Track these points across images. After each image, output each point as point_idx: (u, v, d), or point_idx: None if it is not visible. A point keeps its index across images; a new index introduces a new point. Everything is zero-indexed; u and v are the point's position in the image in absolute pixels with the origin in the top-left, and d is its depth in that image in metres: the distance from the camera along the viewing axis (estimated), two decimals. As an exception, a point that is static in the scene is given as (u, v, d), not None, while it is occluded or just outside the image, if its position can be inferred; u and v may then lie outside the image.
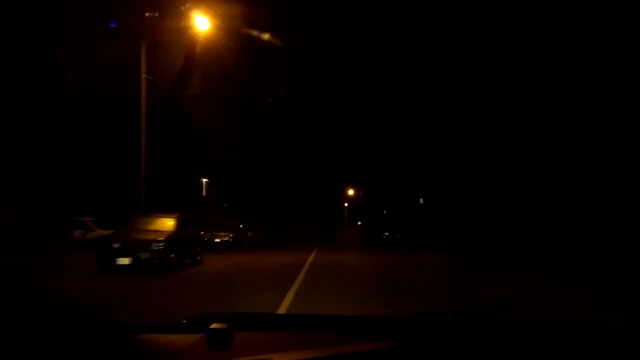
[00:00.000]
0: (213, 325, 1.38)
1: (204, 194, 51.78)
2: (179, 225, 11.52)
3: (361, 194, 56.72)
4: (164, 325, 1.59)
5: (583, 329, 1.66)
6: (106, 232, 13.84)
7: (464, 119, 28.51)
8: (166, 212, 12.29)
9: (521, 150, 25.04)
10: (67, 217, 18.39)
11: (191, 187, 40.71)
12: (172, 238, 10.80)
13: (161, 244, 10.27)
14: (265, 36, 19.74)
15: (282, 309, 6.29)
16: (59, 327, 1.25)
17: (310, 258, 15.81)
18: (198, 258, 12.80)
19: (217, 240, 20.80)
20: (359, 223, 65.40)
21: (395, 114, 41.76)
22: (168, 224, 11.37)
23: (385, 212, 46.43)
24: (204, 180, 52.08)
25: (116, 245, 9.98)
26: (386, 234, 32.46)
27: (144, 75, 14.85)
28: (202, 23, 14.70)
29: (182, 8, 14.94)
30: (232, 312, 1.89)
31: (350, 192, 58.48)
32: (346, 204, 75.15)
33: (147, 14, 14.85)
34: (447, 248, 22.16)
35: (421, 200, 31.28)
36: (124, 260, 9.75)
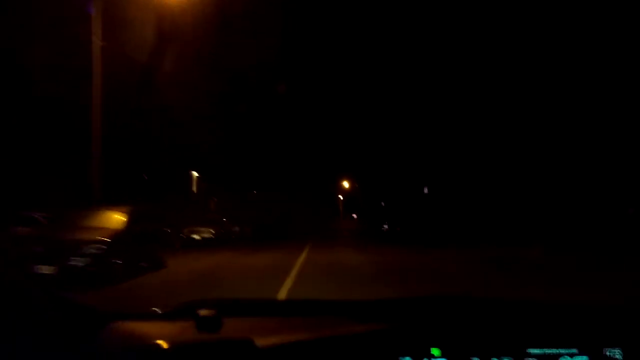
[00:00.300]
0: (201, 312, 1.38)
1: (194, 189, 49.55)
2: (131, 221, 8.96)
3: (357, 185, 54.37)
4: (151, 313, 1.57)
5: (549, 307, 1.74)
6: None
7: (470, 99, 26.11)
8: (117, 204, 9.74)
9: (536, 134, 22.69)
10: (11, 212, 15.76)
11: (179, 181, 39.25)
12: (118, 238, 8.26)
13: (101, 246, 7.73)
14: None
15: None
16: (40, 316, 1.21)
17: (302, 257, 13.37)
18: (161, 261, 10.29)
19: (197, 237, 18.30)
20: (355, 216, 63.09)
21: (393, 96, 39.23)
22: (114, 220, 8.79)
23: (383, 204, 44.05)
24: (195, 173, 49.66)
25: (37, 249, 7.44)
26: (385, 227, 30.08)
27: (95, 41, 12.24)
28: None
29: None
30: (221, 298, 1.81)
31: (345, 184, 56.07)
32: (341, 197, 72.85)
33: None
34: (456, 242, 19.87)
35: (425, 190, 28.91)
36: (47, 269, 7.20)
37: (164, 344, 1.23)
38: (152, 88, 22.70)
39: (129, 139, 22.59)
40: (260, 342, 1.23)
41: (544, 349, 1.30)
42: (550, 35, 23.18)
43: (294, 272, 9.61)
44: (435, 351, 1.28)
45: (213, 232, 18.54)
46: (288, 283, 8.08)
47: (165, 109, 26.65)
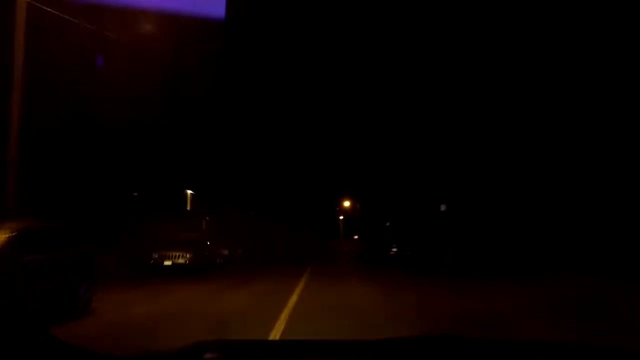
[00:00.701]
0: (206, 355, 1.43)
1: (187, 207, 47.18)
2: (14, 248, 5.58)
3: (358, 206, 50.96)
4: (156, 354, 1.56)
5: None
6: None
7: (485, 105, 23.00)
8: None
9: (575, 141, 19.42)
10: None
11: (173, 199, 37.00)
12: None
13: None
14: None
15: None
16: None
17: (295, 295, 9.90)
18: (83, 303, 6.89)
19: (167, 263, 14.82)
20: (356, 237, 59.45)
21: (397, 110, 36.11)
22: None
23: (388, 224, 40.54)
24: (189, 192, 47.35)
25: None
26: (394, 249, 26.51)
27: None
28: None
29: None
30: (226, 340, 1.87)
31: (346, 203, 52.62)
32: (341, 217, 69.30)
33: None
34: (488, 271, 16.40)
35: (443, 207, 25.44)
36: None
37: None
38: (146, 102, 21.79)
39: (122, 154, 21.78)
40: None
41: None
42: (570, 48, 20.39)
43: (280, 326, 6.21)
44: None
45: (189, 256, 15.05)
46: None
47: (162, 125, 26.23)
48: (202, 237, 18.39)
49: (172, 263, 14.86)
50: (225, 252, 23.36)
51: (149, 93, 21.29)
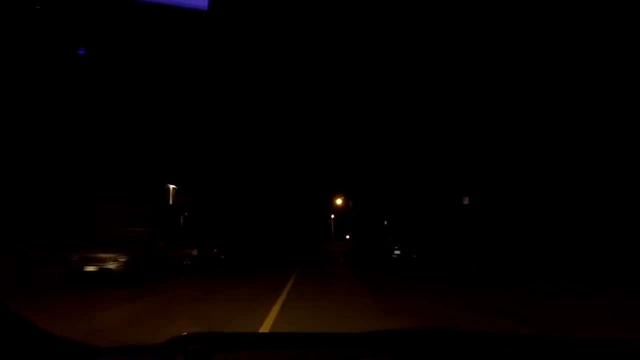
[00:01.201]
0: (191, 346, 1.41)
1: (170, 202, 43.66)
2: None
3: (350, 203, 46.75)
4: (141, 347, 1.55)
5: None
6: None
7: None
8: None
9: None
10: None
11: (156, 194, 34.19)
12: None
13: None
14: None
15: None
16: (36, 354, 1.21)
17: (273, 313, 5.68)
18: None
19: (90, 268, 10.39)
20: (348, 237, 55.27)
21: (392, 97, 31.95)
22: None
23: (386, 222, 36.32)
24: (172, 186, 43.71)
25: None
26: (397, 252, 22.27)
27: None
28: None
29: None
30: (212, 332, 1.73)
31: (338, 201, 48.38)
32: (332, 216, 65.05)
33: None
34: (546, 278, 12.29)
35: (466, 201, 20.70)
36: None
37: None
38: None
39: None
40: None
41: None
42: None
43: None
44: None
45: (124, 260, 10.65)
46: None
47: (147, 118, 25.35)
48: (150, 233, 13.93)
49: (98, 269, 10.43)
50: (194, 252, 18.98)
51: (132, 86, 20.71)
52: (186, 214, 45.91)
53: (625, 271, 12.26)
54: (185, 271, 15.46)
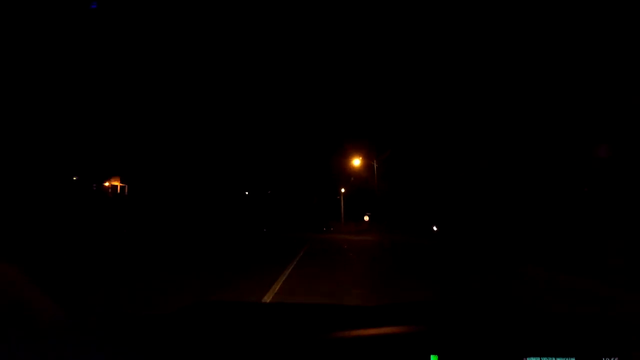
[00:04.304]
0: (204, 315, 1.60)
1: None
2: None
3: (374, 164, 29.99)
4: (151, 316, 1.54)
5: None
6: None
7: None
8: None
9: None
10: None
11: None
12: None
13: None
14: None
15: None
16: (61, 324, 1.21)
17: None
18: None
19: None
20: (366, 218, 38.55)
21: None
22: None
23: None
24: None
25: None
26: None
27: None
28: None
29: None
30: (223, 301, 2.16)
31: (356, 162, 31.59)
32: (342, 190, 48.13)
33: None
34: None
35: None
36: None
37: None
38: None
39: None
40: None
41: (542, 357, 1.31)
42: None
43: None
44: (434, 358, 1.29)
45: None
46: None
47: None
48: None
49: None
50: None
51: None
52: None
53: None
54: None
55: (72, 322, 1.23)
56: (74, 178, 29.70)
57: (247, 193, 54.21)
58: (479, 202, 23.75)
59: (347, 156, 35.33)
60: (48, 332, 1.13)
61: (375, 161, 29.20)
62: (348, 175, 40.52)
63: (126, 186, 37.18)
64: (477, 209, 22.86)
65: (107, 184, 35.20)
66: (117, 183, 36.67)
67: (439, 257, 14.31)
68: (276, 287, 7.34)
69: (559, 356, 1.30)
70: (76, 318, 1.26)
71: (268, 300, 6.24)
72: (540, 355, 1.30)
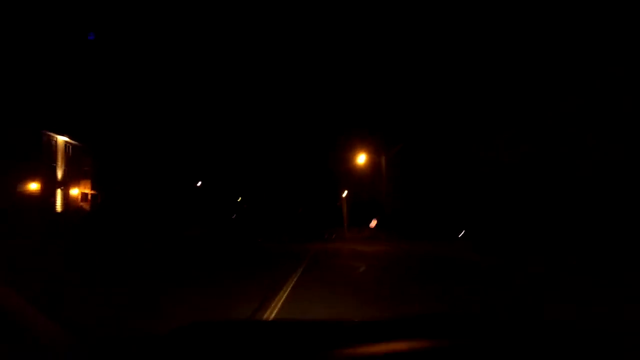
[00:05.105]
0: (199, 336, 1.50)
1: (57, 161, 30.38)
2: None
3: (382, 161, 25.62)
4: (143, 337, 1.51)
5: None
6: None
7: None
8: None
9: None
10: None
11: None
12: None
13: None
14: None
15: None
16: (58, 344, 1.17)
17: None
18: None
19: None
20: (373, 224, 34.14)
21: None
22: None
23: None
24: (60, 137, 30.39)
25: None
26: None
27: None
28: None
29: None
30: (220, 321, 1.83)
31: (361, 158, 27.24)
32: (345, 193, 43.69)
33: None
34: None
35: None
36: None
37: None
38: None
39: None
40: None
41: None
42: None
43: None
44: None
45: None
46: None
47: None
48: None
49: None
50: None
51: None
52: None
53: None
54: None
55: (69, 342, 1.17)
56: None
57: (239, 199, 49.99)
58: (513, 202, 19.50)
59: (349, 154, 31.03)
60: (47, 351, 1.09)
61: (383, 157, 24.88)
62: (350, 176, 36.19)
63: (98, 193, 32.86)
64: (511, 210, 18.60)
65: (76, 190, 30.89)
66: (87, 191, 32.34)
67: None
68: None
69: None
70: (72, 337, 1.19)
71: None
72: None
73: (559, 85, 19.90)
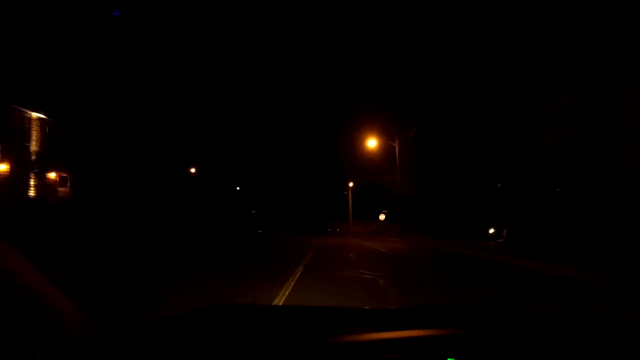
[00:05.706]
0: (209, 319, 1.51)
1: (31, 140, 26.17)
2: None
3: (397, 143, 22.51)
4: (159, 319, 1.54)
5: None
6: None
7: None
8: None
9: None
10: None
11: None
12: None
13: None
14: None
15: None
16: (69, 324, 1.15)
17: None
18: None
19: None
20: (382, 217, 31.06)
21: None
22: None
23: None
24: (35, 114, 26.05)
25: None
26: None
27: None
28: None
29: None
30: (228, 304, 1.79)
31: (371, 143, 24.02)
32: (351, 184, 40.59)
33: None
34: None
35: None
36: None
37: None
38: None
39: None
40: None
41: None
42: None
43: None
44: None
45: None
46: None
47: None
48: None
49: None
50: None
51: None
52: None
53: None
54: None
55: (89, 327, 1.16)
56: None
57: (238, 188, 46.95)
58: (554, 196, 16.40)
59: (357, 139, 27.86)
60: (70, 335, 1.08)
61: (397, 141, 21.73)
62: (357, 164, 33.04)
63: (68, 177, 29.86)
64: (555, 206, 15.51)
65: (54, 174, 27.90)
66: (67, 175, 29.32)
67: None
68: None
69: None
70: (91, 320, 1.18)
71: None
72: None
73: (612, 54, 16.72)
